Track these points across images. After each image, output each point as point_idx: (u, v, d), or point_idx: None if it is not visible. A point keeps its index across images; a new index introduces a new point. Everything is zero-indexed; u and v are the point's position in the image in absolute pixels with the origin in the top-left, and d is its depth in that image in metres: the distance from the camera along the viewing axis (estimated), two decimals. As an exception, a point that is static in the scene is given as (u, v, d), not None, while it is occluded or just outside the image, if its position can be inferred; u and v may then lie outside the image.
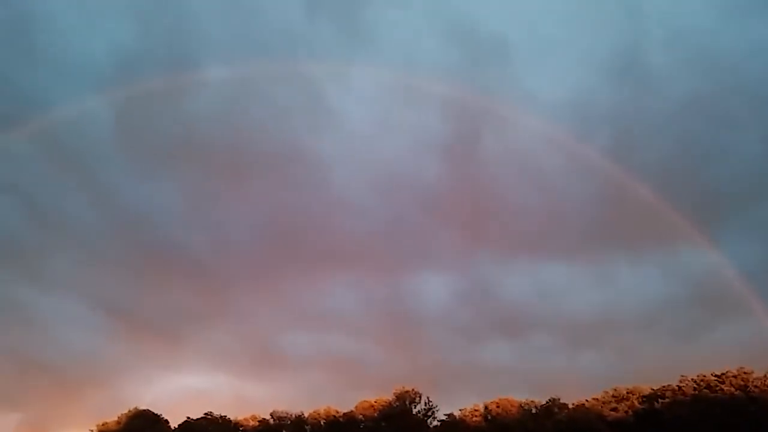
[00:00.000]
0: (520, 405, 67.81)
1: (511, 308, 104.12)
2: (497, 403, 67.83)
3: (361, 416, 71.05)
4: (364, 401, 71.70)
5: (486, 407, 68.07)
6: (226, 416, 76.16)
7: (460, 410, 69.51)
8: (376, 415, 70.22)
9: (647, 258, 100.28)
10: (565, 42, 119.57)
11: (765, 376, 60.12)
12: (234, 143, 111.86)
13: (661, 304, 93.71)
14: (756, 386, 59.41)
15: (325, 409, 73.43)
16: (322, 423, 72.51)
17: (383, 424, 68.45)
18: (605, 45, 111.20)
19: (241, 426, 75.85)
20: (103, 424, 78.22)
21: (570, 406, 66.16)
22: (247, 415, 77.00)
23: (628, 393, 65.02)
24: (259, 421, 75.42)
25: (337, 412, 72.35)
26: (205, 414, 76.40)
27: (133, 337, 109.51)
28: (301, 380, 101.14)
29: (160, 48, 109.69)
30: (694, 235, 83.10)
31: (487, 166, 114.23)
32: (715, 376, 61.58)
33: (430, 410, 69.19)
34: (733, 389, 60.04)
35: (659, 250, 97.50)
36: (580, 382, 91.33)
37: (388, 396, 71.36)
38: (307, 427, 73.25)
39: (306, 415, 73.85)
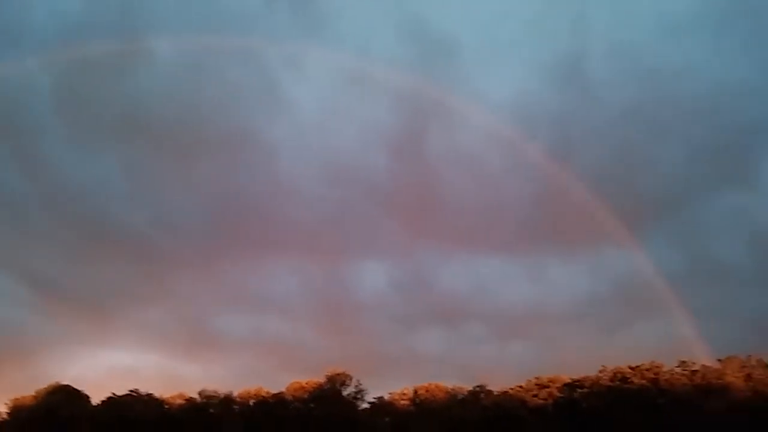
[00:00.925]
0: (448, 391, 69.73)
1: (447, 299, 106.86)
2: (426, 388, 69.53)
3: (291, 397, 71.23)
4: (295, 382, 71.93)
5: (415, 391, 69.68)
6: (152, 394, 74.70)
7: (389, 394, 70.95)
8: (306, 396, 70.61)
9: (577, 256, 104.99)
10: (514, 46, 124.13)
11: (674, 369, 64.39)
12: (181, 121, 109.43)
13: (587, 300, 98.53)
14: (665, 379, 63.49)
15: (255, 390, 73.17)
16: (251, 403, 72.24)
17: (312, 405, 68.94)
18: (551, 52, 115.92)
19: (168, 404, 74.50)
20: (17, 400, 75.28)
21: (495, 392, 68.44)
22: (175, 394, 75.80)
23: (549, 382, 68.02)
24: (186, 400, 74.33)
25: (267, 393, 72.22)
26: (131, 391, 74.68)
27: (60, 312, 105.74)
28: (234, 361, 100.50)
29: (107, 17, 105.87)
30: (621, 238, 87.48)
31: (432, 160, 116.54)
32: (630, 368, 65.31)
33: (359, 393, 70.12)
34: (645, 381, 63.90)
35: (589, 249, 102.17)
36: (508, 371, 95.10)
37: (319, 378, 71.88)
38: (235, 407, 72.72)
39: (235, 394, 73.38)
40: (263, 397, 71.90)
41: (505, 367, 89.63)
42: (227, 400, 72.75)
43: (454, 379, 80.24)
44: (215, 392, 73.34)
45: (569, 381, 67.61)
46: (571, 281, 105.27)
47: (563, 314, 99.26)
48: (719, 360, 63.91)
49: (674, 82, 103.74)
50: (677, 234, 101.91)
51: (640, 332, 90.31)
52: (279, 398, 71.29)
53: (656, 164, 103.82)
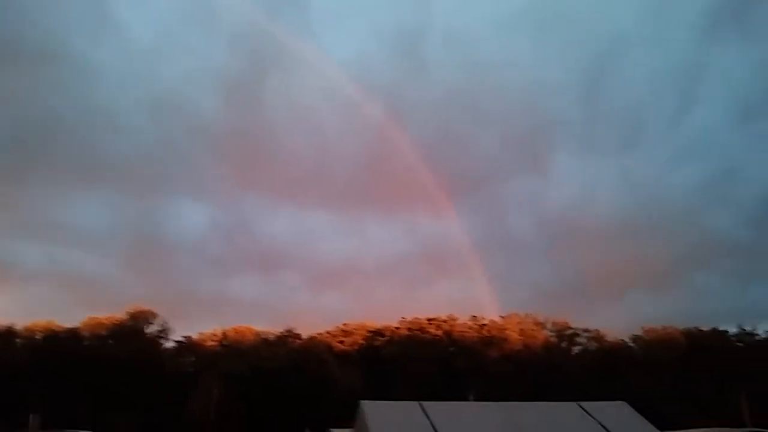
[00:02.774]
0: (258, 333, 70.30)
1: (266, 247, 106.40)
2: (235, 329, 69.35)
3: (87, 333, 66.35)
4: (92, 318, 67.02)
5: (224, 332, 69.14)
6: None
7: (198, 334, 69.50)
8: (104, 333, 66.30)
9: (395, 217, 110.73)
10: (362, 11, 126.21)
11: (466, 323, 71.92)
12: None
13: (398, 257, 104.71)
14: (458, 331, 70.69)
15: (45, 323, 66.82)
16: (37, 337, 65.89)
17: (110, 341, 64.95)
18: (395, 24, 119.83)
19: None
20: None
21: (304, 337, 70.54)
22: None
23: (354, 329, 71.88)
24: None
25: (59, 327, 66.42)
26: None
27: None
28: (26, 292, 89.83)
29: None
30: (435, 205, 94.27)
31: (267, 110, 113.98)
32: (428, 320, 71.56)
33: (164, 332, 67.61)
34: (440, 332, 70.51)
35: (406, 212, 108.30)
36: (319, 318, 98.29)
37: (121, 315, 67.78)
38: (18, 341, 65.80)
39: (19, 327, 66.38)
40: (53, 331, 65.99)
41: (317, 314, 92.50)
42: (8, 333, 65.49)
43: (266, 323, 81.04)
44: (-6, 324, 65.60)
45: (372, 329, 72.16)
46: (386, 239, 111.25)
47: (375, 269, 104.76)
48: (502, 316, 72.82)
49: (497, 73, 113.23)
50: (481, 208, 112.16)
51: (441, 289, 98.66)
52: (72, 333, 65.99)
53: (473, 146, 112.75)
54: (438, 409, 12.33)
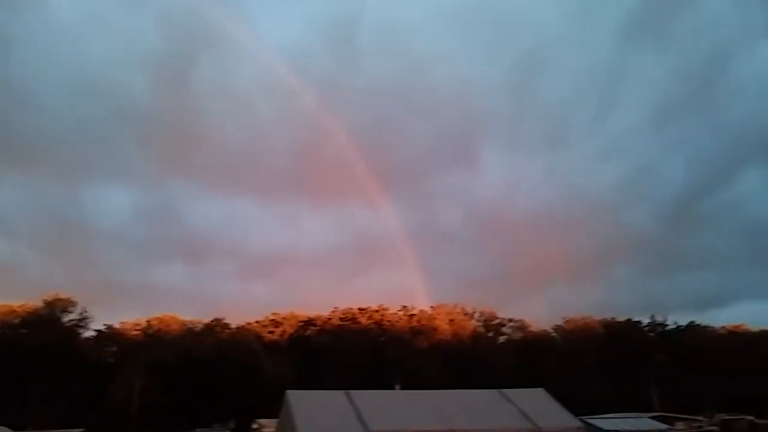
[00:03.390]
0: (184, 323, 68.41)
1: (195, 235, 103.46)
2: (159, 318, 67.17)
3: (-2, 322, 62.40)
4: (5, 305, 63.13)
5: (147, 322, 66.80)
6: None
7: (120, 323, 66.74)
8: (17, 321, 62.58)
9: (328, 207, 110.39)
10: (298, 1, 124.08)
11: (397, 313, 72.76)
12: None
13: (331, 248, 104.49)
14: (388, 320, 71.42)
15: (-51, 311, 62.34)
16: (-60, 326, 61.41)
17: (23, 330, 61.34)
18: (330, 13, 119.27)
19: None
20: None
21: (232, 327, 69.24)
22: None
23: (284, 319, 71.25)
24: None
25: (-34, 316, 62.13)
26: None
27: None
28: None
29: None
30: (369, 197, 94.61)
31: (198, 94, 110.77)
32: (360, 309, 71.90)
33: (83, 320, 64.53)
34: (371, 322, 71.00)
35: (339, 202, 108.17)
36: (249, 308, 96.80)
37: (36, 303, 64.15)
38: None
39: None
40: (-41, 319, 61.70)
41: (246, 304, 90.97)
42: None
43: (193, 313, 78.93)
44: None
45: (304, 319, 71.77)
46: (319, 230, 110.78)
47: (307, 259, 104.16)
48: (432, 307, 74.16)
49: (430, 67, 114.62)
50: (414, 200, 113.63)
51: (374, 280, 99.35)
52: (-20, 322, 61.91)
53: (406, 138, 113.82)
54: (364, 397, 12.44)
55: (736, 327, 77.78)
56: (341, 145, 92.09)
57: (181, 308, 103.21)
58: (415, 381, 46.12)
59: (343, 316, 71.31)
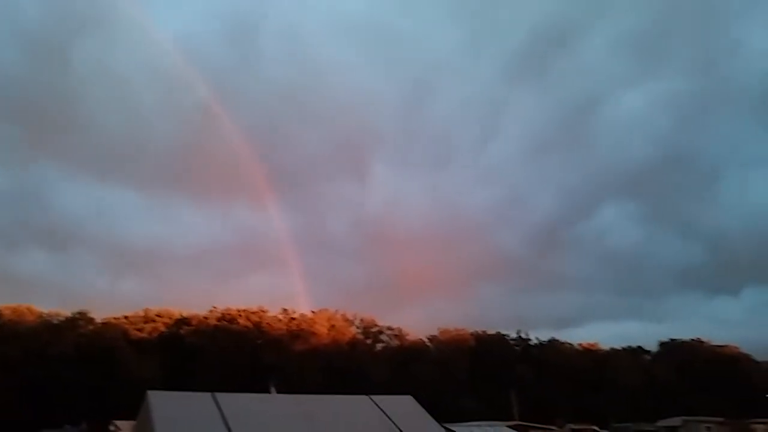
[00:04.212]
0: (41, 314, 62.86)
1: (63, 222, 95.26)
2: (12, 308, 61.22)
3: None
4: None
5: (-1, 312, 60.65)
6: None
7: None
8: None
9: (211, 205, 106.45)
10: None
11: (276, 315, 71.76)
12: None
13: (211, 246, 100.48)
14: (267, 323, 70.18)
15: None
16: None
17: None
18: (232, 10, 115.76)
19: None
20: None
21: (98, 321, 64.64)
22: None
23: (156, 316, 67.70)
24: None
25: None
26: None
27: None
28: None
29: None
30: (254, 198, 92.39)
31: (77, 75, 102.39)
32: (238, 311, 70.00)
33: None
34: (249, 323, 69.33)
35: (223, 201, 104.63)
36: (119, 303, 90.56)
37: None
38: None
39: None
40: None
41: (116, 299, 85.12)
42: None
43: (53, 304, 72.46)
44: None
45: (178, 317, 68.62)
46: (199, 227, 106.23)
47: (185, 256, 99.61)
48: (313, 311, 73.90)
49: (327, 75, 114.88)
50: (301, 205, 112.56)
51: (255, 282, 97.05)
52: None
53: (297, 143, 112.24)
54: (231, 401, 12.09)
55: (591, 345, 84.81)
56: (231, 143, 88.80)
57: (40, 298, 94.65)
58: (292, 385, 45.58)
59: (221, 316, 69.04)
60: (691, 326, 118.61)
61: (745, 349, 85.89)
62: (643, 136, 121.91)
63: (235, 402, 12.33)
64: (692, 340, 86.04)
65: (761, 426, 52.35)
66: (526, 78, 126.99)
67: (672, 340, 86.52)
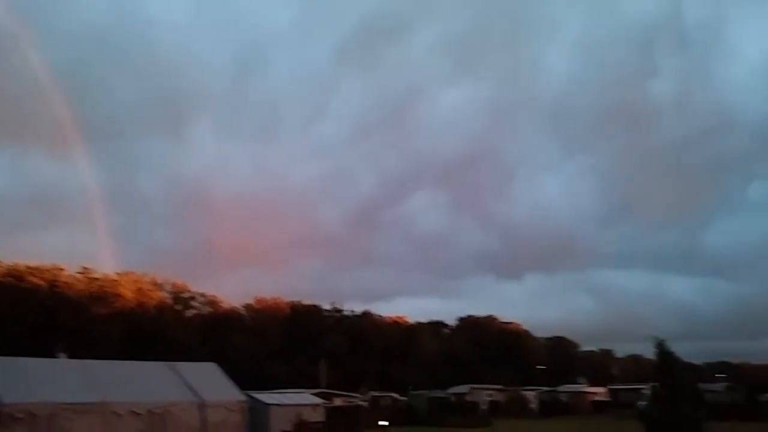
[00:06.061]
0: None
1: None
2: None
3: None
4: None
5: None
6: None
7: None
8: None
9: (4, 152, 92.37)
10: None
11: (75, 275, 65.40)
12: None
13: (1, 197, 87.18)
14: (64, 282, 63.67)
15: None
16: None
17: None
18: None
19: None
20: None
21: None
22: None
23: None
24: None
25: None
26: None
27: None
28: None
29: None
30: (57, 145, 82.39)
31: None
32: (29, 268, 62.47)
33: None
34: (42, 282, 62.22)
35: (19, 147, 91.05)
36: None
37: None
38: None
39: None
40: None
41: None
42: None
43: None
44: None
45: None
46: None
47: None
48: (118, 273, 68.67)
49: (155, 29, 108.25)
50: (111, 160, 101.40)
51: (52, 237, 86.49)
52: None
53: (109, 93, 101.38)
54: (6, 365, 10.93)
55: (399, 318, 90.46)
56: (32, 79, 77.70)
57: None
58: (89, 349, 42.01)
59: (6, 272, 60.96)
60: (485, 304, 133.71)
61: (526, 326, 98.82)
62: (455, 133, 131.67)
63: (13, 365, 11.11)
64: (486, 316, 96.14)
65: (531, 392, 60.50)
66: (357, 63, 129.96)
67: (469, 316, 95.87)
